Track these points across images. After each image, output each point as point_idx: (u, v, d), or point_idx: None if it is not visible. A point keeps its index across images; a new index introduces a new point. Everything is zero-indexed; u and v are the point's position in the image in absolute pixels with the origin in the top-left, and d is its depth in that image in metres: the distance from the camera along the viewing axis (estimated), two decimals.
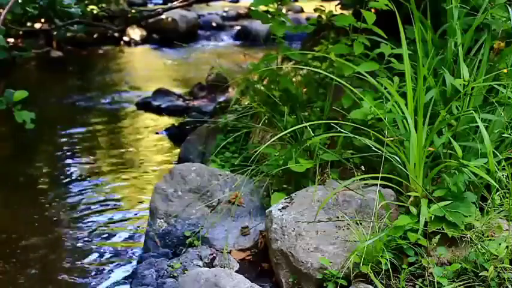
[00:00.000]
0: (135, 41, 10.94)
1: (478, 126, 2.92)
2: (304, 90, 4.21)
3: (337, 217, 2.99)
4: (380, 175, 2.87)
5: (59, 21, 7.06)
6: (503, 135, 3.07)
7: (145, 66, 9.45)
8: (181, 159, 4.78)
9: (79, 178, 5.08)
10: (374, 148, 3.04)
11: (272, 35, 4.06)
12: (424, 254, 2.77)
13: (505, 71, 3.22)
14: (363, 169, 3.27)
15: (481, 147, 2.96)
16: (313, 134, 3.39)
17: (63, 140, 6.04)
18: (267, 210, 3.18)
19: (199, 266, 3.19)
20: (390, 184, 3.00)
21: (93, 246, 3.98)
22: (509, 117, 3.14)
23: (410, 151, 2.96)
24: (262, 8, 4.15)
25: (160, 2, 12.74)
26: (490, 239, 2.73)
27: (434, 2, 3.71)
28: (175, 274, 3.17)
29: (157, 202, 3.57)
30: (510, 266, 2.64)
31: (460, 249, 2.79)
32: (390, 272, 2.69)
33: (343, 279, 2.73)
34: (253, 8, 4.18)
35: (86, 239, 4.08)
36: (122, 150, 5.77)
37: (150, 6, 12.43)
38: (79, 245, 4.00)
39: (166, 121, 6.59)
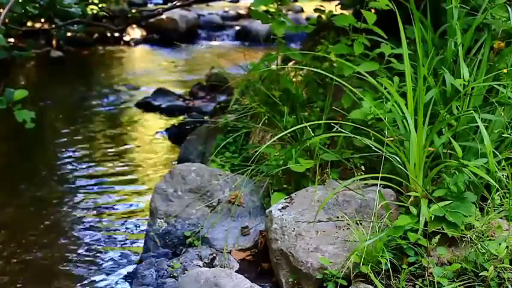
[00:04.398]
0: (135, 41, 10.94)
1: (478, 126, 2.92)
2: (304, 90, 4.21)
3: (337, 217, 2.99)
4: (380, 175, 2.87)
5: (59, 21, 7.05)
6: (503, 135, 3.07)
7: (145, 66, 9.45)
8: (181, 159, 4.78)
9: (79, 178, 5.09)
10: (374, 148, 3.04)
11: (272, 35, 4.06)
12: (424, 254, 2.77)
13: (505, 71, 3.22)
14: (363, 169, 3.27)
15: (481, 147, 2.96)
16: (313, 134, 3.39)
17: (63, 139, 6.04)
18: (267, 210, 3.18)
19: (199, 266, 3.19)
20: (390, 184, 3.00)
21: (93, 246, 3.98)
22: (509, 117, 3.14)
23: (410, 151, 2.96)
24: (262, 8, 4.15)
25: (161, 2, 12.73)
26: (490, 239, 2.73)
27: (434, 1, 3.71)
28: (175, 274, 3.17)
29: (157, 202, 3.57)
30: (510, 266, 2.64)
31: (460, 249, 2.79)
32: (390, 272, 2.69)
33: (343, 279, 2.73)
34: (253, 8, 4.18)
35: (86, 238, 4.09)
36: (122, 150, 5.77)
37: (150, 6, 12.41)
38: (79, 244, 4.01)
39: (166, 121, 6.59)
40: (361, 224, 2.92)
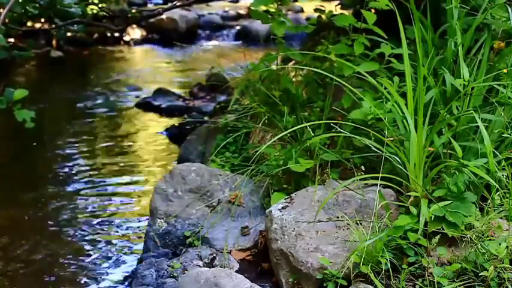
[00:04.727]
0: (135, 41, 10.94)
1: (478, 126, 2.92)
2: (304, 90, 4.21)
3: (337, 217, 2.99)
4: (380, 175, 2.87)
5: (59, 21, 7.05)
6: (503, 135, 3.07)
7: (145, 66, 9.45)
8: (181, 159, 4.78)
9: (79, 178, 5.09)
10: (374, 148, 3.04)
11: (272, 35, 4.06)
12: (424, 254, 2.77)
13: (505, 71, 3.22)
14: (363, 169, 3.27)
15: (481, 147, 2.96)
16: (313, 134, 3.39)
17: (63, 139, 6.04)
18: (267, 210, 3.18)
19: (199, 266, 3.19)
20: (390, 184, 3.00)
21: (93, 246, 3.98)
22: (509, 117, 3.14)
23: (410, 151, 2.95)
24: (262, 8, 4.14)
25: (161, 2, 12.74)
26: (490, 239, 2.73)
27: (434, 1, 3.71)
28: (175, 274, 3.17)
29: (157, 202, 3.57)
30: (510, 266, 2.64)
31: (460, 249, 2.79)
32: (390, 272, 2.69)
33: (343, 279, 2.73)
34: (253, 8, 4.17)
35: (86, 238, 4.09)
36: (122, 150, 5.77)
37: (150, 6, 12.41)
38: (79, 244, 4.01)
39: (166, 121, 6.59)
40: (361, 224, 2.92)
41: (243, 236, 3.42)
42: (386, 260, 2.68)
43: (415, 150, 2.94)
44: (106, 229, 4.22)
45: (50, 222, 4.31)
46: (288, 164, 3.38)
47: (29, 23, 8.59)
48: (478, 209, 2.85)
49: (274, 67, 4.14)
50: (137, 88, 7.97)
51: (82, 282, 3.56)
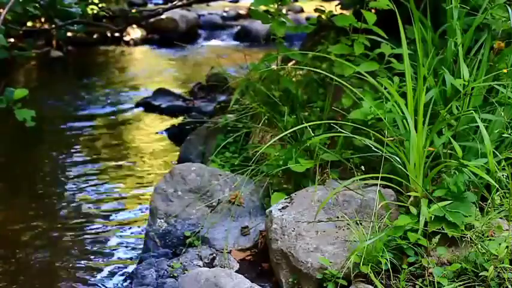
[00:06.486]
0: (135, 41, 10.94)
1: (478, 126, 2.92)
2: (304, 90, 4.21)
3: (337, 217, 2.99)
4: (380, 175, 2.87)
5: (59, 21, 7.05)
6: (503, 135, 3.07)
7: (145, 66, 9.45)
8: (181, 159, 4.78)
9: (79, 178, 5.09)
10: (374, 148, 3.04)
11: (272, 35, 4.06)
12: (424, 254, 2.77)
13: (505, 71, 3.22)
14: (363, 169, 3.27)
15: (481, 147, 2.96)
16: (313, 134, 3.39)
17: (63, 140, 6.04)
18: (267, 210, 3.18)
19: (199, 266, 3.19)
20: (390, 184, 3.00)
21: (93, 246, 3.98)
22: (509, 117, 3.14)
23: (410, 151, 2.96)
24: (262, 8, 4.15)
25: (161, 2, 12.74)
26: (490, 239, 2.73)
27: (434, 1, 3.71)
28: (175, 274, 3.17)
29: (157, 202, 3.57)
30: (510, 266, 2.64)
31: (460, 249, 2.79)
32: (390, 272, 2.69)
33: (343, 279, 2.73)
34: (253, 8, 4.18)
35: (86, 238, 4.09)
36: (122, 150, 5.77)
37: (150, 6, 12.41)
38: (79, 245, 4.01)
39: (166, 121, 6.59)
40: (361, 224, 2.92)
41: (243, 236, 3.42)
42: (386, 260, 2.68)
43: (415, 150, 2.94)
44: (106, 229, 4.22)
45: (49, 222, 4.31)
46: (288, 164, 3.39)
47: (29, 23, 8.58)
48: (478, 209, 2.85)
49: (274, 67, 4.14)
50: (137, 88, 7.97)
51: (82, 282, 3.56)
